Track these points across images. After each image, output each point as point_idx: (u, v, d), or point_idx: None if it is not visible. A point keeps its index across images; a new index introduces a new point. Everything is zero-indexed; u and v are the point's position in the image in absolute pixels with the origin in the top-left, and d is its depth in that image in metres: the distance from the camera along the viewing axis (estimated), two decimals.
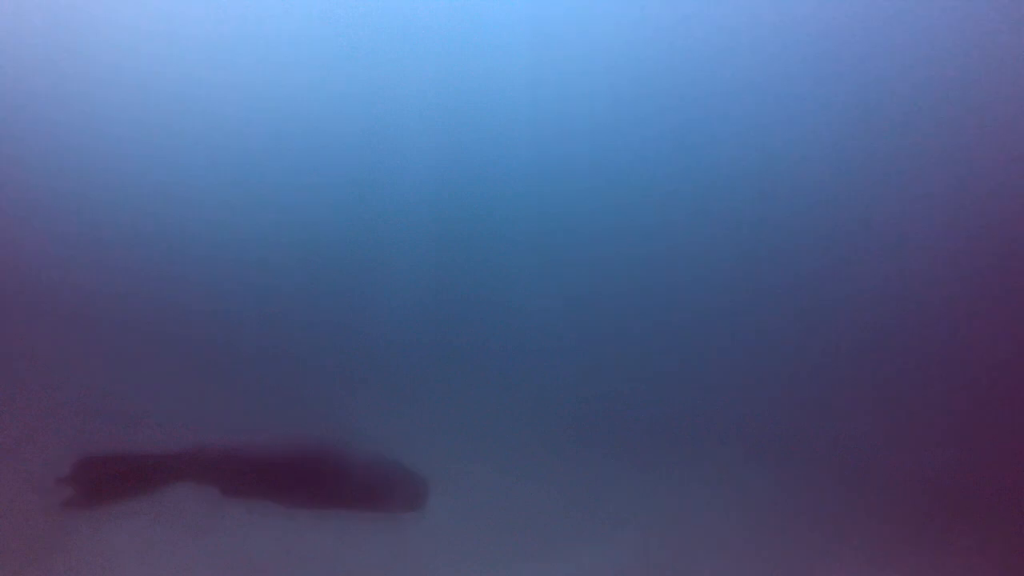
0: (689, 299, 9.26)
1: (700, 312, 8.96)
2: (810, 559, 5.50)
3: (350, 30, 10.56)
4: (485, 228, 10.50)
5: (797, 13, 9.70)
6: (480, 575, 5.00)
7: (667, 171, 10.43)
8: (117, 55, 10.56)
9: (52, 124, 10.49)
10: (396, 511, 5.34)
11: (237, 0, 10.23)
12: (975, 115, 9.15)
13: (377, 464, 5.73)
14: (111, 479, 5.23)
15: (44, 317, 8.00)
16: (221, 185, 10.40)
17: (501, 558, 5.24)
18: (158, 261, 9.28)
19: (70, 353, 6.94)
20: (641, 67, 10.40)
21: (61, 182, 10.24)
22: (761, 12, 9.83)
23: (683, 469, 6.47)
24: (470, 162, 10.50)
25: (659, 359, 9.02)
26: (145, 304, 8.31)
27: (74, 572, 4.37)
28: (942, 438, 7.00)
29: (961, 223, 9.09)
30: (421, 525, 5.34)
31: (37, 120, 10.36)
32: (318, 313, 9.63)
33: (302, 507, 5.18)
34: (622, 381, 8.60)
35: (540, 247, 10.29)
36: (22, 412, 6.05)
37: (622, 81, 10.48)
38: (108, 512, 4.81)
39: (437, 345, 9.11)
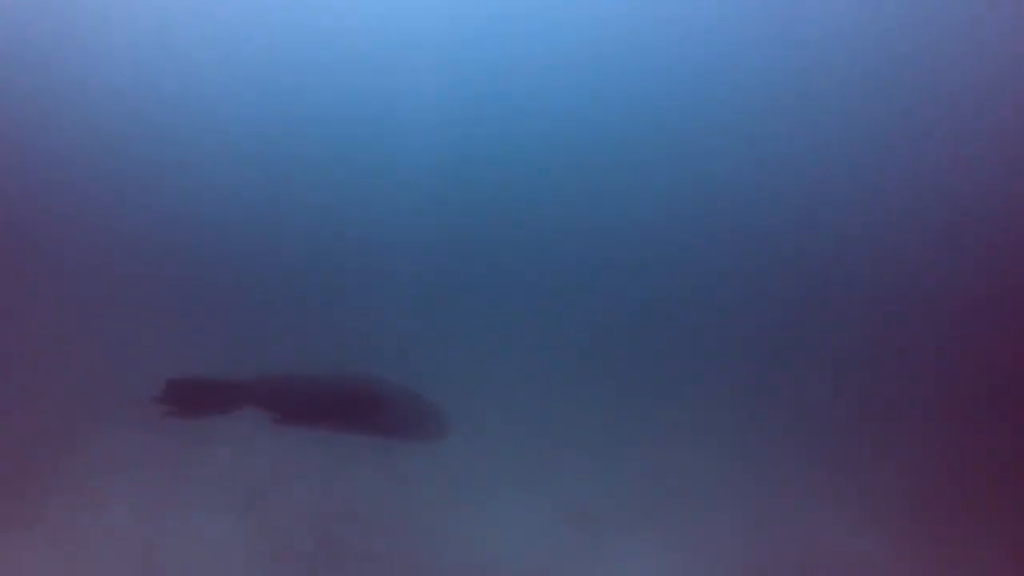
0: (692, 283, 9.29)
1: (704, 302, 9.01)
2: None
3: (353, 27, 10.59)
4: (494, 176, 10.52)
5: (798, 14, 9.67)
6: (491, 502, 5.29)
7: (665, 150, 10.41)
8: (145, 45, 10.60)
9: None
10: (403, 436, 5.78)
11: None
12: (976, 115, 9.11)
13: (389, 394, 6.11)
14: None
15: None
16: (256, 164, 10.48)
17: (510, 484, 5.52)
18: (195, 252, 9.51)
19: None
20: (642, 67, 10.41)
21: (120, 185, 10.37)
22: (762, 13, 9.81)
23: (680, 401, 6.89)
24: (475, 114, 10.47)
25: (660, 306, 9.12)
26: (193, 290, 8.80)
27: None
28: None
29: (961, 223, 9.08)
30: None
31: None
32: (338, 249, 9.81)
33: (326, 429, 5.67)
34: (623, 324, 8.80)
35: (551, 193, 10.30)
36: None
37: (624, 80, 10.50)
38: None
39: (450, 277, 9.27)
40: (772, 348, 8.37)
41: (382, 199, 10.44)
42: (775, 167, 10.06)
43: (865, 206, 9.68)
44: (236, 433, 5.81)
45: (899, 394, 7.35)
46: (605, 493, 5.60)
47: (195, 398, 6.06)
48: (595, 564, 4.90)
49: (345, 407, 5.97)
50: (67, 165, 10.15)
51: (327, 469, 5.50)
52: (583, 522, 5.31)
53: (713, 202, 10.08)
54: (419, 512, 5.22)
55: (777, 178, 10.04)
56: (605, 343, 8.44)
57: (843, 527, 5.39)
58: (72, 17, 10.45)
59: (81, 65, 10.33)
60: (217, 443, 5.67)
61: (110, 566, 4.49)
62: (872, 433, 6.66)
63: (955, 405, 7.18)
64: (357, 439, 5.82)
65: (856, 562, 5.06)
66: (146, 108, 10.40)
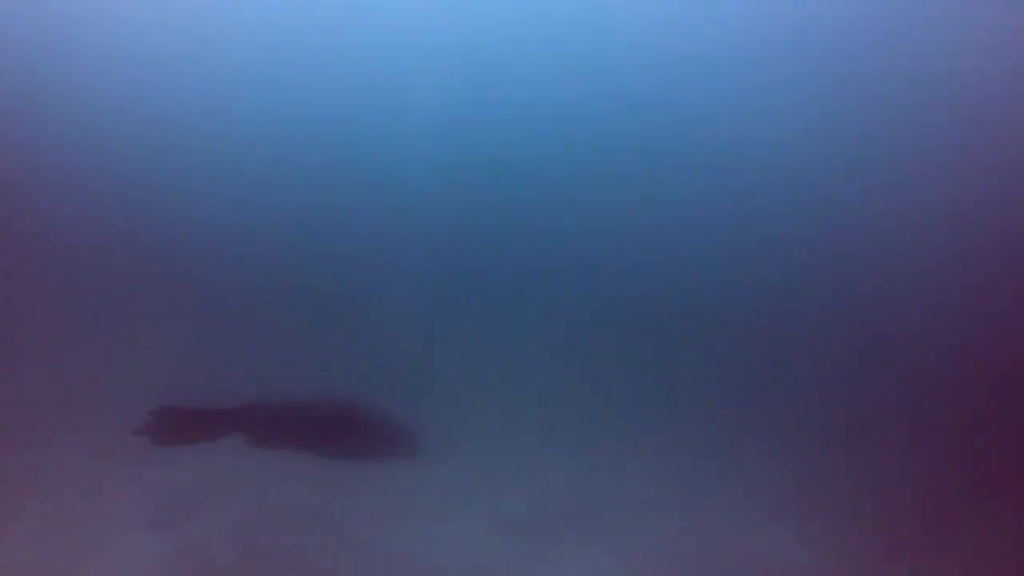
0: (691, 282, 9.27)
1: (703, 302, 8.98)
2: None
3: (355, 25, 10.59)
4: (491, 177, 10.43)
5: (799, 14, 9.91)
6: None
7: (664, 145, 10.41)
8: (144, 43, 10.43)
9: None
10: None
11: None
12: (975, 116, 9.29)
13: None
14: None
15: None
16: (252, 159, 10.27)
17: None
18: (187, 258, 9.19)
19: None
20: (642, 68, 10.52)
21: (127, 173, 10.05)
22: (763, 14, 10.04)
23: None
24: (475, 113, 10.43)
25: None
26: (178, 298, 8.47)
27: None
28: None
29: (962, 223, 9.17)
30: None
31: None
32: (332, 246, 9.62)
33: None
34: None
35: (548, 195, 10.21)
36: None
37: (624, 80, 10.57)
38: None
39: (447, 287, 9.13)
40: (712, 361, 8.40)
41: (381, 199, 10.25)
42: (774, 167, 10.01)
43: (858, 206, 9.68)
44: (153, 447, 5.72)
45: (844, 409, 7.40)
46: (541, 504, 5.50)
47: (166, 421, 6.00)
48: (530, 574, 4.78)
49: (315, 426, 5.90)
50: (63, 167, 10.01)
51: (250, 480, 5.41)
52: (519, 533, 5.19)
53: (711, 202, 10.00)
54: (350, 523, 5.06)
55: (776, 177, 10.01)
56: (556, 350, 8.40)
57: (780, 540, 5.35)
58: (72, 18, 10.44)
59: (81, 66, 10.29)
60: (133, 458, 5.58)
61: None
62: (813, 446, 6.68)
63: (901, 419, 7.25)
64: (285, 448, 5.65)
65: (797, 574, 5.02)
66: (145, 108, 10.35)
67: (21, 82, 10.31)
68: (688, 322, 9.02)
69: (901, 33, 9.37)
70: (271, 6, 10.47)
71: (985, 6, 8.86)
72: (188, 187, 10.04)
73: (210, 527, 4.89)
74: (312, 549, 4.79)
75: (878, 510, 5.84)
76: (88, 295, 8.74)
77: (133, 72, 10.56)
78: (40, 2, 10.19)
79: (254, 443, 5.74)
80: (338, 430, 5.90)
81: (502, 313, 8.93)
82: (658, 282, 9.34)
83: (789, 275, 9.12)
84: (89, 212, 9.58)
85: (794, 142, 9.88)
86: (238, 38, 10.58)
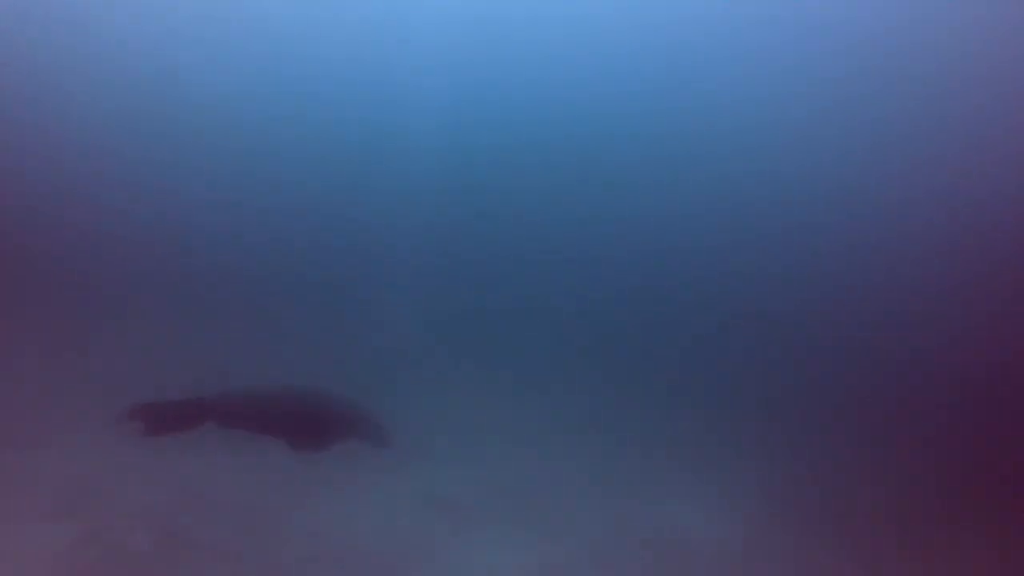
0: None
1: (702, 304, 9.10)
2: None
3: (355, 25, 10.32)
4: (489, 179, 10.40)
5: (800, 15, 9.85)
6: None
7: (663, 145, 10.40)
8: (140, 48, 10.18)
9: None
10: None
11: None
12: (975, 116, 9.40)
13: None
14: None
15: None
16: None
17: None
18: (183, 257, 9.37)
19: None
20: (642, 67, 10.42)
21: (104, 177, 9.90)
22: (763, 14, 9.95)
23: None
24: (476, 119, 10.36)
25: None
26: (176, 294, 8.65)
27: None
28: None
29: (962, 223, 9.35)
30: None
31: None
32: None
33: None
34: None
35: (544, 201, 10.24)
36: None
37: (624, 80, 10.49)
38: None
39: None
40: (644, 344, 8.60)
41: (381, 200, 10.27)
42: (772, 167, 10.05)
43: (854, 206, 9.78)
44: (61, 435, 5.63)
45: (770, 394, 7.65)
46: (466, 480, 5.62)
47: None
48: (455, 550, 4.82)
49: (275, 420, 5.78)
50: (63, 170, 9.91)
51: (163, 463, 5.35)
52: (442, 508, 5.24)
53: (709, 202, 10.04)
54: (270, 501, 5.02)
55: (774, 176, 10.06)
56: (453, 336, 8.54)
57: (701, 517, 5.51)
58: (73, 18, 10.17)
59: (82, 66, 10.08)
60: (39, 446, 5.48)
61: None
62: (734, 432, 6.90)
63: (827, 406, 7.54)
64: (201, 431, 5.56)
65: (712, 550, 5.15)
66: (143, 107, 10.19)
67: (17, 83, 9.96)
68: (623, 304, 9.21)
69: (902, 31, 9.40)
70: (269, 7, 10.17)
71: (986, 6, 8.91)
72: (187, 187, 9.98)
73: (122, 513, 4.79)
74: (226, 532, 4.73)
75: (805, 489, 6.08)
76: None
77: (129, 67, 10.51)
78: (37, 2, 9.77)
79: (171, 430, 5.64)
80: (273, 416, 5.79)
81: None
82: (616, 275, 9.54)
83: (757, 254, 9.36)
84: (83, 213, 9.48)
85: (795, 139, 9.94)
86: (237, 37, 10.36)
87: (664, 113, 10.37)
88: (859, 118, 9.77)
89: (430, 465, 5.75)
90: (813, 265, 9.32)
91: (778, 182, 9.98)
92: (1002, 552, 5.44)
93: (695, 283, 9.40)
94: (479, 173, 10.54)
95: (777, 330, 8.56)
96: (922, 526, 5.61)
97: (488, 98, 10.71)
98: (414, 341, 8.47)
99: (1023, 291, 8.61)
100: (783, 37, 9.95)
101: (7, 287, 8.54)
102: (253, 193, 10.19)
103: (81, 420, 5.78)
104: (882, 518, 5.73)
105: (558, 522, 5.28)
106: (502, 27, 10.41)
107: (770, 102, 10.13)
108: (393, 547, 4.84)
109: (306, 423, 5.82)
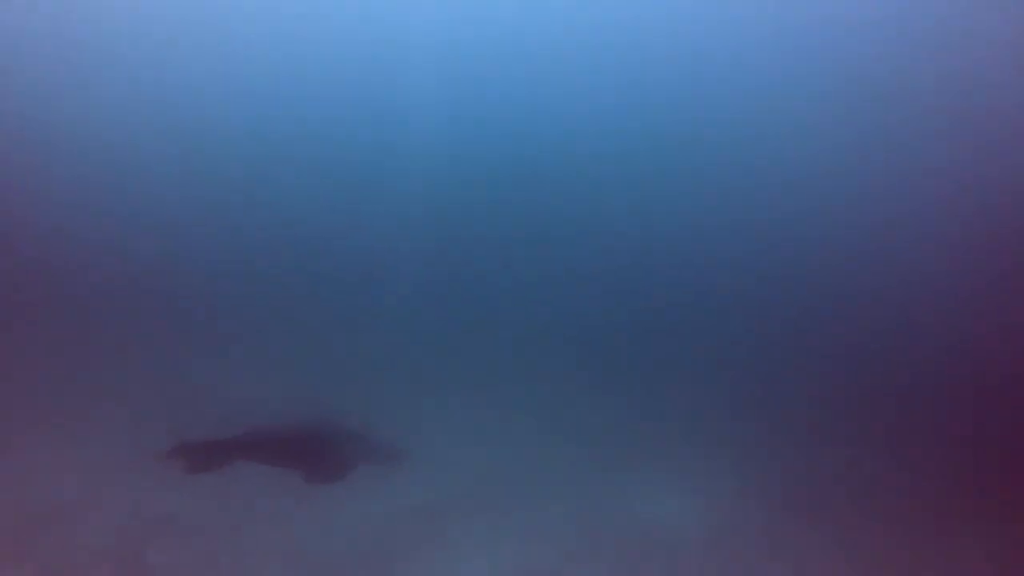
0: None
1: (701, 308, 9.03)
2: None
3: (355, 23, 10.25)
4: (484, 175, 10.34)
5: (801, 15, 9.72)
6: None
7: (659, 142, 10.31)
8: (138, 48, 10.13)
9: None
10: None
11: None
12: (975, 116, 9.26)
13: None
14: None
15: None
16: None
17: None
18: (174, 262, 9.17)
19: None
20: (642, 67, 10.32)
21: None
22: (764, 14, 9.82)
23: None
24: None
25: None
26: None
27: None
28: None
29: (963, 221, 9.23)
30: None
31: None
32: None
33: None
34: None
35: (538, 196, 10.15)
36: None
37: (624, 81, 10.39)
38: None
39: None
40: (634, 343, 8.57)
41: (381, 199, 10.12)
42: (771, 166, 10.00)
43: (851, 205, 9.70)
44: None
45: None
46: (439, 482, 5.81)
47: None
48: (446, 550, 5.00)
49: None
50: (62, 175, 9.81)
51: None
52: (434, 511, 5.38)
53: (707, 203, 9.99)
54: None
55: (773, 176, 10.00)
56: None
57: (675, 505, 5.72)
58: (72, 19, 10.08)
59: (81, 67, 10.00)
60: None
61: None
62: (698, 422, 7.03)
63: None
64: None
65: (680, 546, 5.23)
66: (140, 107, 10.10)
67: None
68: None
69: (904, 31, 9.25)
70: (268, 7, 10.11)
71: (987, 6, 8.75)
72: (186, 187, 9.86)
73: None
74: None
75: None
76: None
77: (130, 69, 10.26)
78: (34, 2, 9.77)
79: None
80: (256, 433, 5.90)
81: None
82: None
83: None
84: (79, 216, 9.39)
85: (795, 137, 9.83)
86: (237, 37, 10.31)
87: (663, 112, 10.32)
88: (862, 117, 9.66)
89: (421, 469, 5.87)
90: (800, 258, 9.25)
91: (773, 172, 9.89)
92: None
93: (684, 285, 9.30)
94: (477, 174, 10.46)
95: (763, 323, 8.51)
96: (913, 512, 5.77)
97: (487, 100, 10.64)
98: (407, 345, 8.40)
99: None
100: (789, 38, 9.84)
101: None
102: (253, 193, 10.11)
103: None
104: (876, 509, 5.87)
105: (551, 520, 5.44)
106: (502, 26, 10.33)
107: (771, 91, 10.03)
108: (386, 549, 4.96)
109: (301, 438, 5.96)
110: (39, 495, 5.25)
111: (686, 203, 9.87)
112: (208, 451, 5.72)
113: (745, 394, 7.46)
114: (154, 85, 10.13)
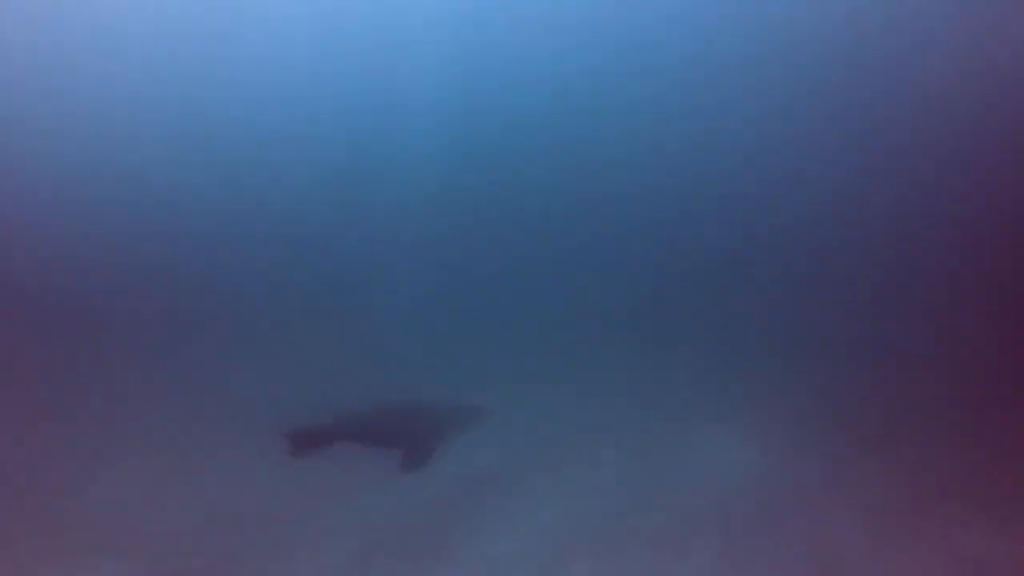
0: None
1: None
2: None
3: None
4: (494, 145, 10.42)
5: (801, 14, 9.85)
6: None
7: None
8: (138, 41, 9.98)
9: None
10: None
11: None
12: (975, 116, 9.49)
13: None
14: None
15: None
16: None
17: None
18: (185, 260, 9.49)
19: None
20: (641, 66, 10.41)
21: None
22: (765, 13, 9.93)
23: None
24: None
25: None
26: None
27: None
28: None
29: (962, 218, 9.50)
30: None
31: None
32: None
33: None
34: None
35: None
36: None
37: (623, 79, 10.47)
38: None
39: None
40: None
41: (381, 197, 10.36)
42: (771, 165, 10.20)
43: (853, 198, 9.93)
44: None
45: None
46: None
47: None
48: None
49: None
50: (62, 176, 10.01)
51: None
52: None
53: (706, 205, 10.17)
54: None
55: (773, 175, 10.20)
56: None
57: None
58: (72, 18, 10.06)
59: (81, 66, 10.12)
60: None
61: None
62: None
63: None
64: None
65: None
66: (142, 106, 10.26)
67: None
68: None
69: (904, 32, 9.48)
70: (268, 6, 10.02)
71: (987, 6, 9.01)
72: (184, 187, 10.09)
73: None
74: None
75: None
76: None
77: (130, 68, 10.41)
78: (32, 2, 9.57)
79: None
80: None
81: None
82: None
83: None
84: (79, 212, 9.66)
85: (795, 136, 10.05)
86: (236, 36, 10.19)
87: (665, 113, 10.44)
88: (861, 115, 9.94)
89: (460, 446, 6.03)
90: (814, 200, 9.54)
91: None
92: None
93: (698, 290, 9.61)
94: (476, 170, 10.58)
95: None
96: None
97: (486, 98, 10.72)
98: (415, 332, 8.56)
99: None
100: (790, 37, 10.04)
101: None
102: (253, 192, 10.24)
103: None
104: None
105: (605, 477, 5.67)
106: (501, 26, 10.38)
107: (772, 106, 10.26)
108: (448, 516, 5.13)
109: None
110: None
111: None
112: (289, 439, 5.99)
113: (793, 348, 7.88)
114: (156, 85, 10.27)
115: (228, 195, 10.17)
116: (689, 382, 7.35)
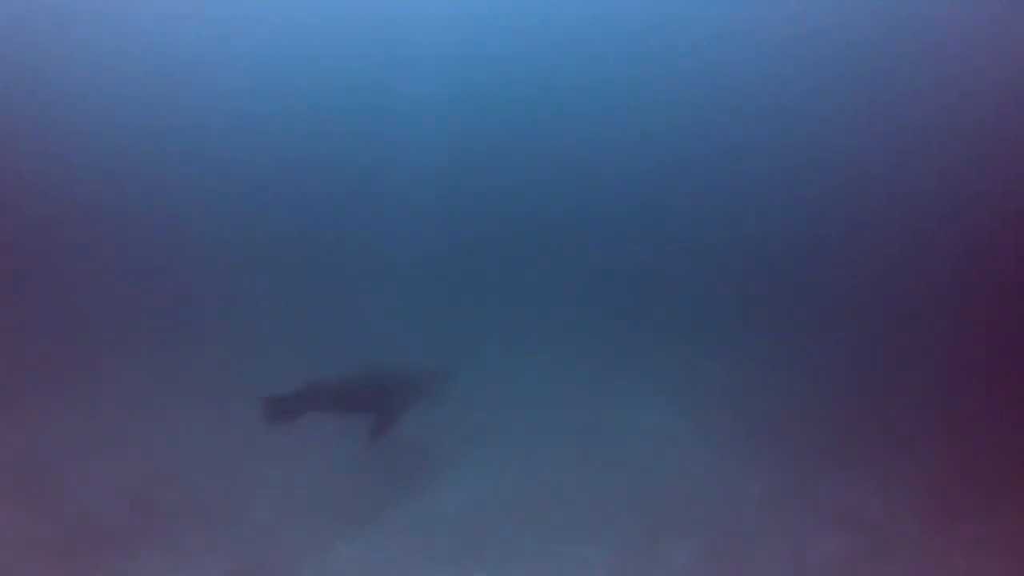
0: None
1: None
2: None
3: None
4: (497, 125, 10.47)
5: (801, 14, 9.67)
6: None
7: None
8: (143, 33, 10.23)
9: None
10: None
11: None
12: (975, 116, 9.25)
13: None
14: None
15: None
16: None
17: None
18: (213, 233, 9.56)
19: None
20: (641, 66, 10.33)
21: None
22: (765, 13, 9.77)
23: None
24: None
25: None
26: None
27: None
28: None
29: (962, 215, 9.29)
30: None
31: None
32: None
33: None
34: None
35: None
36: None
37: (623, 78, 10.41)
38: None
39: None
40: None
41: (381, 196, 10.29)
42: (773, 163, 10.10)
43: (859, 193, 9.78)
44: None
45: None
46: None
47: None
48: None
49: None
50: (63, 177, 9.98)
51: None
52: None
53: (706, 206, 10.10)
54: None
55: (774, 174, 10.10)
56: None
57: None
58: (71, 19, 10.09)
59: (80, 66, 10.07)
60: None
61: None
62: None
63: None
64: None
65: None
66: (141, 107, 10.22)
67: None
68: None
69: (906, 31, 9.22)
70: (267, 6, 10.14)
71: (988, 7, 8.70)
72: (184, 187, 10.07)
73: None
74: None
75: None
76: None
77: (120, 68, 10.31)
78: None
79: None
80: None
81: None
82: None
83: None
84: (81, 209, 9.61)
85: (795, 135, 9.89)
86: (236, 35, 10.34)
87: (664, 110, 10.29)
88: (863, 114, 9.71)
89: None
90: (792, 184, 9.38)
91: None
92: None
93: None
94: (477, 164, 10.53)
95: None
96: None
97: (486, 94, 10.65)
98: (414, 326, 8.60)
99: None
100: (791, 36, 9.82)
101: None
102: (253, 187, 10.30)
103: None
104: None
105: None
106: (501, 27, 10.31)
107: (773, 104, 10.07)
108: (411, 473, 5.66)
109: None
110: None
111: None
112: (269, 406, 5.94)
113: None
114: (157, 85, 10.25)
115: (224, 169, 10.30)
116: (687, 382, 7.45)
